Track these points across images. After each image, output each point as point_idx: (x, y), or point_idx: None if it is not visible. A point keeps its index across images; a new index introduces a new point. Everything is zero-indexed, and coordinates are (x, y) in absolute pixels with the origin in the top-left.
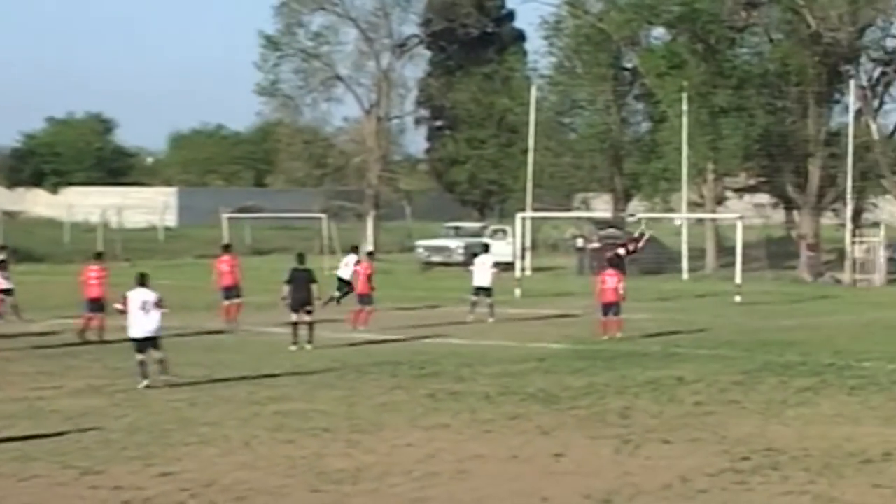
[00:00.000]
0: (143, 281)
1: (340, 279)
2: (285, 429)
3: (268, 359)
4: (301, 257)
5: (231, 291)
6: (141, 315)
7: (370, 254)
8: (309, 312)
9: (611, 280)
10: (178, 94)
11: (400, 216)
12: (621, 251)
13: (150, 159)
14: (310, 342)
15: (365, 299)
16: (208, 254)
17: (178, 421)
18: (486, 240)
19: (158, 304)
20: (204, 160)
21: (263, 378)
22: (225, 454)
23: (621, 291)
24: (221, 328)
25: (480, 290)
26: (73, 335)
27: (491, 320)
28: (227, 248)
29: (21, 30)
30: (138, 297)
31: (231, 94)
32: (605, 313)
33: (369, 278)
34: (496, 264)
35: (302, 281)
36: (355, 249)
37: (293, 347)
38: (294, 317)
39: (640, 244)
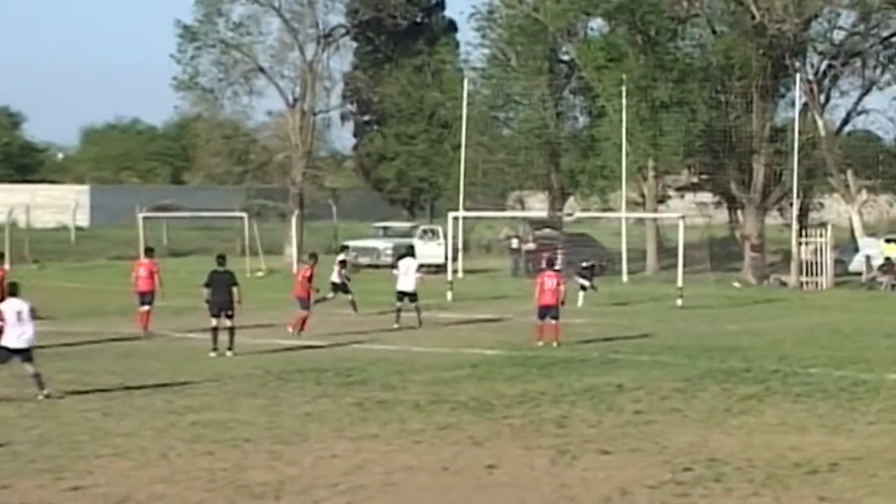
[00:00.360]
0: (13, 291)
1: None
2: (204, 440)
3: (186, 366)
4: (221, 259)
5: (146, 297)
6: (17, 326)
7: (313, 256)
8: (230, 317)
9: (550, 281)
10: (91, 86)
11: (325, 216)
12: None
13: (60, 155)
14: (230, 348)
15: (303, 303)
16: (123, 255)
17: (90, 432)
18: (412, 241)
19: (32, 314)
20: (118, 156)
21: (181, 386)
22: (140, 467)
23: (561, 294)
24: (137, 334)
25: (405, 296)
26: None
27: (418, 327)
28: (148, 252)
29: None
30: (12, 307)
31: (147, 87)
32: (542, 317)
33: (309, 280)
34: (422, 266)
35: (222, 284)
36: (345, 249)
37: (213, 354)
38: (214, 322)
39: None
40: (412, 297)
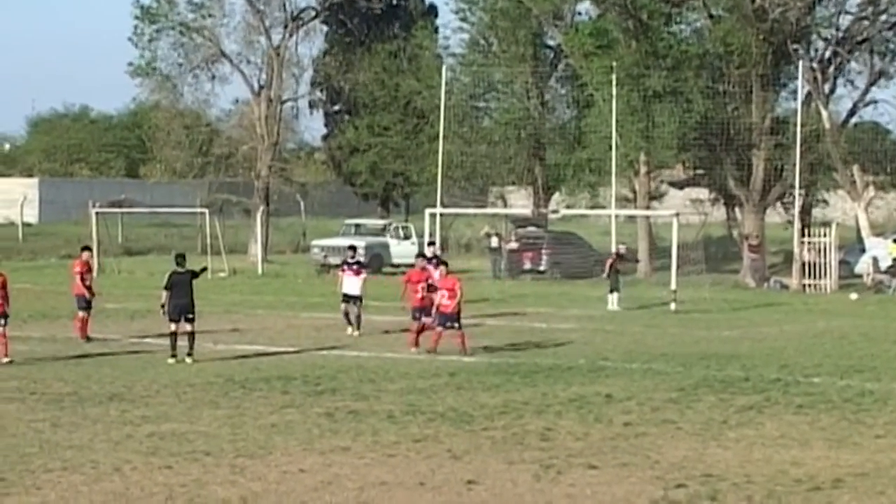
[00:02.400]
0: None
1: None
2: (162, 453)
3: (142, 373)
4: (180, 258)
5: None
6: None
7: (86, 248)
8: (190, 321)
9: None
10: (39, 71)
11: (293, 212)
12: None
13: (6, 146)
14: (190, 354)
15: (80, 302)
16: (74, 254)
17: (39, 444)
18: (354, 241)
19: None
20: (69, 147)
21: (137, 395)
22: (92, 482)
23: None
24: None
25: (350, 298)
26: None
27: (356, 333)
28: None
29: None
30: None
31: (100, 71)
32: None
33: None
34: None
35: (182, 285)
36: (353, 249)
37: (171, 360)
38: (173, 326)
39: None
40: (356, 300)
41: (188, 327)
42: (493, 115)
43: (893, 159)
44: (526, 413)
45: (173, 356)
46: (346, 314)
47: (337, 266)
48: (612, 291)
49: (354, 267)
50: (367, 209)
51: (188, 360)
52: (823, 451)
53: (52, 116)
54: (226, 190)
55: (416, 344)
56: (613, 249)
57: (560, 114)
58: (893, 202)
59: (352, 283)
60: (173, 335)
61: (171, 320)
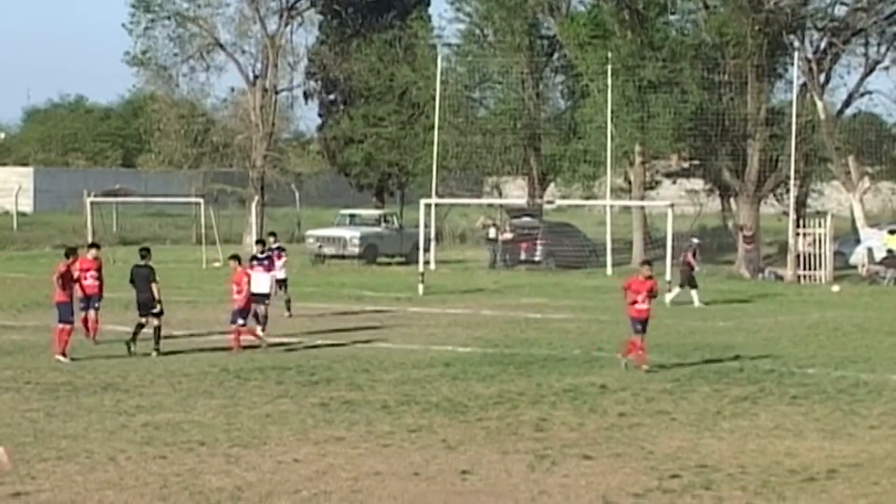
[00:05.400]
0: None
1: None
2: (156, 442)
3: (137, 363)
4: (144, 251)
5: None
6: None
7: (72, 251)
8: (155, 315)
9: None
10: (35, 60)
11: (288, 202)
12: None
13: (1, 135)
14: (156, 349)
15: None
16: (69, 244)
17: (33, 433)
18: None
19: None
20: (65, 137)
21: (132, 385)
22: (87, 471)
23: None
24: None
25: (259, 297)
26: None
27: (262, 333)
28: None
29: None
30: None
31: (96, 62)
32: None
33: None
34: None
35: (143, 279)
36: (262, 244)
37: (127, 350)
38: (143, 320)
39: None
40: (265, 297)
41: (155, 322)
42: (488, 106)
43: (888, 150)
44: (520, 403)
45: (127, 345)
46: (255, 314)
47: (332, 256)
48: (692, 288)
49: (265, 263)
50: (363, 199)
51: (154, 354)
52: (818, 441)
53: (47, 106)
54: (221, 180)
55: (239, 343)
56: (691, 243)
57: (555, 104)
58: (888, 193)
59: (261, 281)
60: (139, 327)
61: (141, 315)
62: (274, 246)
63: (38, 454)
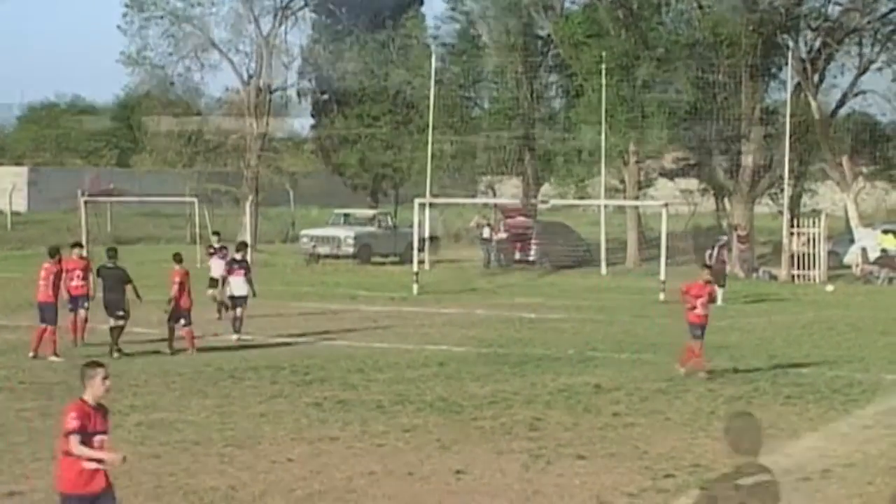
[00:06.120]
0: None
1: None
2: (150, 442)
3: (131, 362)
4: (111, 252)
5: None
6: None
7: (55, 251)
8: (118, 317)
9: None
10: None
11: (283, 202)
12: None
13: None
14: (118, 350)
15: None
16: (63, 243)
17: (28, 433)
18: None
19: None
20: (59, 136)
21: (126, 384)
22: None
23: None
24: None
25: (237, 300)
26: None
27: (235, 338)
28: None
29: None
30: None
31: (90, 62)
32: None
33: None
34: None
35: (110, 280)
36: (246, 246)
37: (115, 356)
38: (111, 321)
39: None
40: (243, 300)
41: (120, 323)
42: (482, 105)
43: (882, 150)
44: (515, 403)
45: (110, 353)
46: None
47: (326, 256)
48: (720, 286)
49: (245, 265)
50: (357, 199)
51: (115, 355)
52: (812, 441)
53: (42, 106)
54: (215, 179)
55: (171, 347)
56: (720, 240)
57: (550, 103)
58: (882, 192)
59: (239, 284)
60: (111, 329)
61: (109, 315)
62: (217, 245)
63: (33, 454)
